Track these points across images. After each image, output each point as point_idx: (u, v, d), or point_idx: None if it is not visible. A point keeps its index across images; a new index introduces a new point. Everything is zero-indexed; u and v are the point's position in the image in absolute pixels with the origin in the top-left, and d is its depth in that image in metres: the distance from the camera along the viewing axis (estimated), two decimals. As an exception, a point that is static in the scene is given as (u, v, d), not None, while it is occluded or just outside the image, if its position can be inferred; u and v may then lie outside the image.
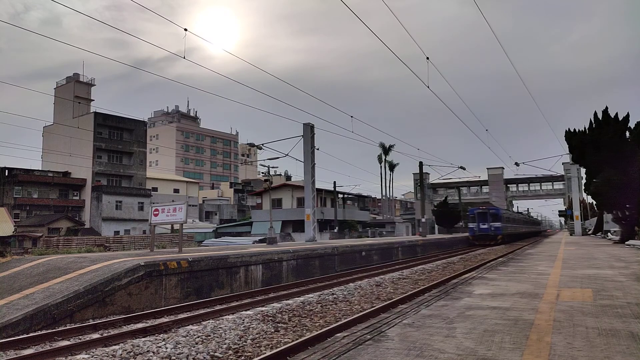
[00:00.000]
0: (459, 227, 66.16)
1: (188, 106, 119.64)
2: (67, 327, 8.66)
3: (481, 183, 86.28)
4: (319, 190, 49.28)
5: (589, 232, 53.45)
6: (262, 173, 52.08)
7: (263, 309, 10.52)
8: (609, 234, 38.59)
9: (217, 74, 63.79)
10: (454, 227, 66.84)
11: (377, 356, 4.20)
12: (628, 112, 28.52)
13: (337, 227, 52.13)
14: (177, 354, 6.82)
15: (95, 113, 60.99)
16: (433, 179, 69.83)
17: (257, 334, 8.02)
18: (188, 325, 8.92)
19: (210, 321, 9.18)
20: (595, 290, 8.04)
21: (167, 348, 7.13)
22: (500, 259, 18.84)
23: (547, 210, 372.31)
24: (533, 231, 76.53)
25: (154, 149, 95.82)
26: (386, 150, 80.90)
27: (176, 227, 32.56)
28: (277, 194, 54.41)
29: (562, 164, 72.33)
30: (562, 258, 16.00)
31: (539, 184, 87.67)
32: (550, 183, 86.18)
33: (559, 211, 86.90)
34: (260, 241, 33.63)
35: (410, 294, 11.23)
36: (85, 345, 7.40)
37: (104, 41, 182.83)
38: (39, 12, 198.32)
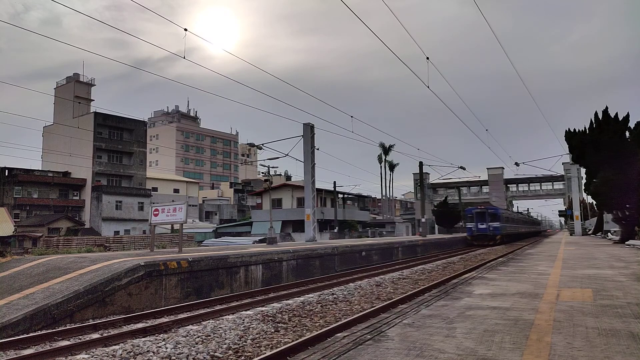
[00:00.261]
0: (459, 227, 66.10)
1: (188, 106, 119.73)
2: (67, 327, 8.66)
3: (481, 183, 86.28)
4: (319, 190, 49.28)
5: (589, 232, 53.45)
6: (262, 173, 52.10)
7: (263, 309, 10.52)
8: (609, 234, 38.58)
9: (217, 74, 63.85)
10: (454, 227, 66.83)
11: (377, 356, 4.20)
12: (628, 112, 28.59)
13: (337, 227, 52.13)
14: (177, 354, 6.82)
15: (95, 113, 60.99)
16: (433, 179, 69.81)
17: (257, 334, 8.02)
18: (188, 325, 8.92)
19: (210, 321, 9.18)
20: (595, 290, 8.04)
21: (167, 348, 7.13)
22: (500, 259, 18.84)
23: (547, 210, 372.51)
24: (533, 231, 76.44)
25: (154, 149, 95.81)
26: (386, 150, 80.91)
27: (176, 227, 32.59)
28: (277, 194, 54.41)
29: (562, 164, 72.36)
30: (562, 258, 16.00)
31: (539, 184, 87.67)
32: (550, 183, 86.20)
33: (559, 211, 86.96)
34: (260, 241, 33.63)
35: (410, 294, 11.23)
36: (85, 345, 7.40)
37: (104, 41, 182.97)
38: (39, 12, 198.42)
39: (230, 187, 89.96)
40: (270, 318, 9.30)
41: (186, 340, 7.55)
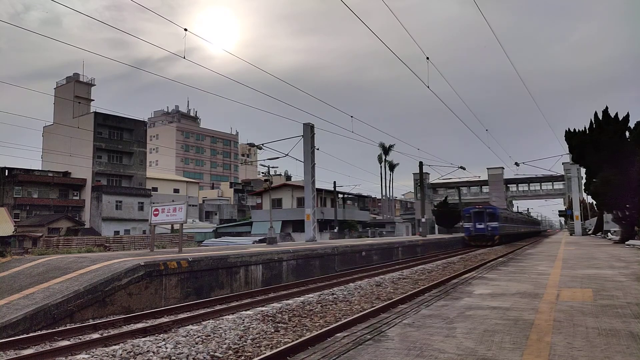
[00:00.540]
0: (459, 227, 66.06)
1: (188, 106, 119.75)
2: (67, 327, 8.66)
3: (481, 183, 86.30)
4: (319, 190, 49.28)
5: (589, 232, 53.45)
6: (262, 173, 52.06)
7: (263, 309, 10.52)
8: (609, 234, 38.56)
9: (217, 74, 63.86)
10: (454, 227, 66.83)
11: (377, 356, 4.20)
12: (628, 112, 28.57)
13: (337, 227, 52.13)
14: (177, 354, 6.82)
15: (95, 113, 61.00)
16: (433, 179, 69.80)
17: (257, 334, 8.02)
18: (188, 325, 8.92)
19: (210, 321, 9.18)
20: (595, 290, 8.04)
21: (167, 348, 7.13)
22: (500, 259, 18.84)
23: (547, 210, 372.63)
24: (532, 231, 76.36)
25: (154, 149, 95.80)
26: (386, 150, 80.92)
27: (176, 227, 32.59)
28: (277, 194, 54.42)
29: (562, 164, 72.34)
30: (562, 258, 16.00)
31: (539, 184, 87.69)
32: (550, 183, 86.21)
33: (559, 211, 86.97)
34: (260, 241, 33.63)
35: (410, 294, 11.23)
36: (85, 345, 7.39)
37: (104, 41, 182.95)
38: (39, 12, 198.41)
39: (230, 187, 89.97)
40: (270, 318, 9.30)
41: (186, 340, 7.55)
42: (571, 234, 55.09)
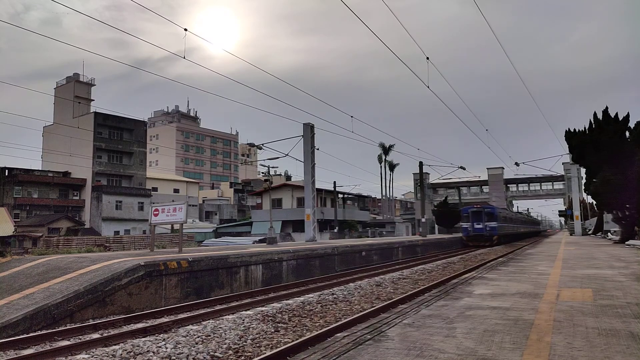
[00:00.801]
0: (459, 227, 66.02)
1: (188, 106, 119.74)
2: (67, 327, 8.66)
3: (481, 183, 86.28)
4: (319, 190, 49.28)
5: (589, 232, 53.44)
6: (262, 173, 52.06)
7: (263, 309, 10.52)
8: (609, 234, 38.55)
9: (217, 74, 63.82)
10: (454, 227, 66.79)
11: (377, 356, 4.20)
12: (628, 112, 28.55)
13: (337, 227, 52.13)
14: (177, 354, 6.82)
15: (95, 113, 60.99)
16: (433, 179, 69.80)
17: (257, 334, 8.02)
18: (188, 325, 8.92)
19: (210, 321, 9.18)
20: (595, 290, 8.04)
21: (167, 348, 7.13)
22: (500, 259, 18.84)
23: (547, 210, 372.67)
24: (532, 231, 76.29)
25: (154, 149, 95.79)
26: (386, 150, 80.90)
27: (176, 227, 32.57)
28: (277, 194, 54.41)
29: (562, 164, 72.34)
30: (562, 258, 16.00)
31: (539, 184, 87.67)
32: (550, 183, 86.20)
33: (559, 211, 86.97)
34: (260, 241, 33.63)
35: (410, 294, 11.23)
36: (85, 345, 7.40)
37: (104, 41, 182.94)
38: (39, 12, 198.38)
39: (230, 187, 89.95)
40: (270, 318, 9.30)
41: (186, 340, 7.55)
42: (571, 234, 55.08)
